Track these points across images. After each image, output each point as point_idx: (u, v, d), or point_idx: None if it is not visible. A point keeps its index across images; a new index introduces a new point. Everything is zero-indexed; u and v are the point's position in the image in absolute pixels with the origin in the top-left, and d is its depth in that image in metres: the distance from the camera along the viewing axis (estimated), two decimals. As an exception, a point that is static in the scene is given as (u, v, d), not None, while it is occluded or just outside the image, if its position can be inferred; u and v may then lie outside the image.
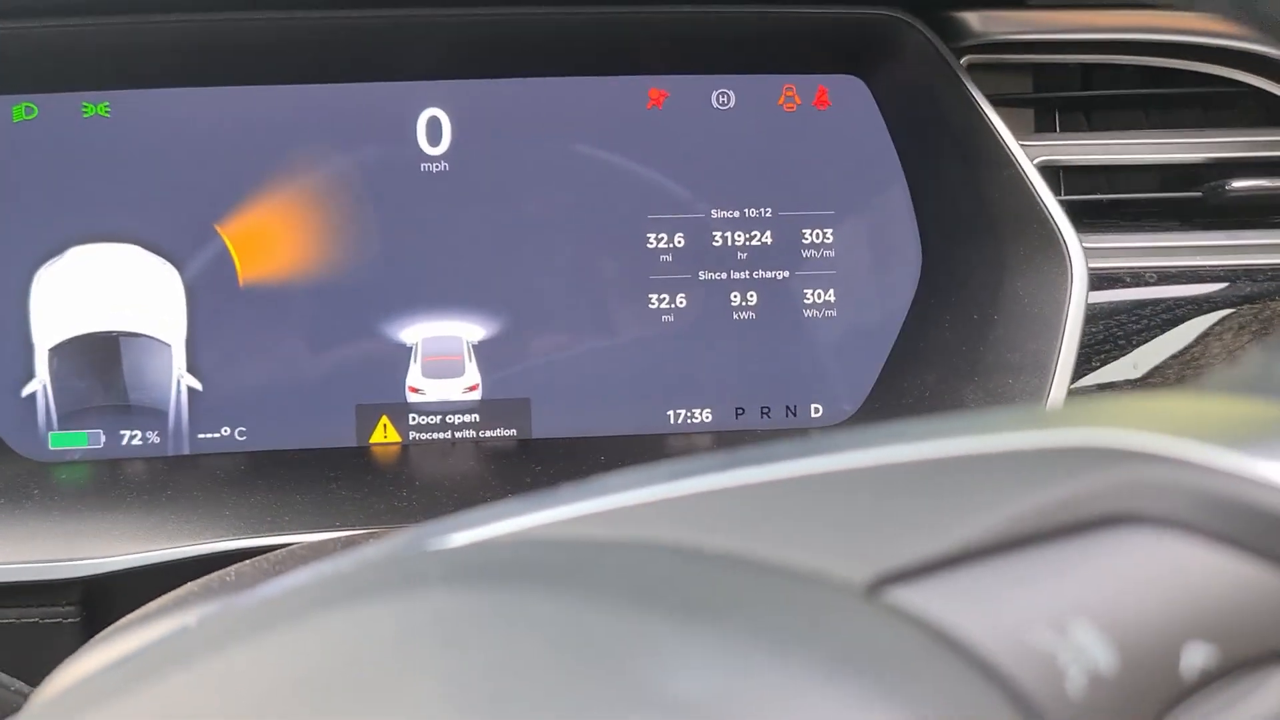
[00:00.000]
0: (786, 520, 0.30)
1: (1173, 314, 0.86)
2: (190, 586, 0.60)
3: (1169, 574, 0.27)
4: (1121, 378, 0.85)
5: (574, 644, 0.28)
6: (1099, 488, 0.29)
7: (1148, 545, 0.28)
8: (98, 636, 0.58)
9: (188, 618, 0.35)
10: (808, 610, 0.28)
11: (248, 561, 0.63)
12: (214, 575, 0.61)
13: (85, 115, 0.91)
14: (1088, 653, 0.27)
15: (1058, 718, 0.26)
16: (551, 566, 0.30)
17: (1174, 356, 0.86)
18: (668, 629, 0.27)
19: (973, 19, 0.89)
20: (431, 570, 0.32)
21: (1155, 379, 0.85)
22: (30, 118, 0.91)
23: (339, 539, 0.64)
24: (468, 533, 0.35)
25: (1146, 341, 0.86)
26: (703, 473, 0.32)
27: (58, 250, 0.92)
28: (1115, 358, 0.85)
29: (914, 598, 0.28)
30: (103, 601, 0.78)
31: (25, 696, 0.61)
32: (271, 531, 0.77)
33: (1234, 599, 0.27)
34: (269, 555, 0.63)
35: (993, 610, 0.27)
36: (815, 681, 0.26)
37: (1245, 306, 0.87)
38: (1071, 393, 0.82)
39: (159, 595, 0.70)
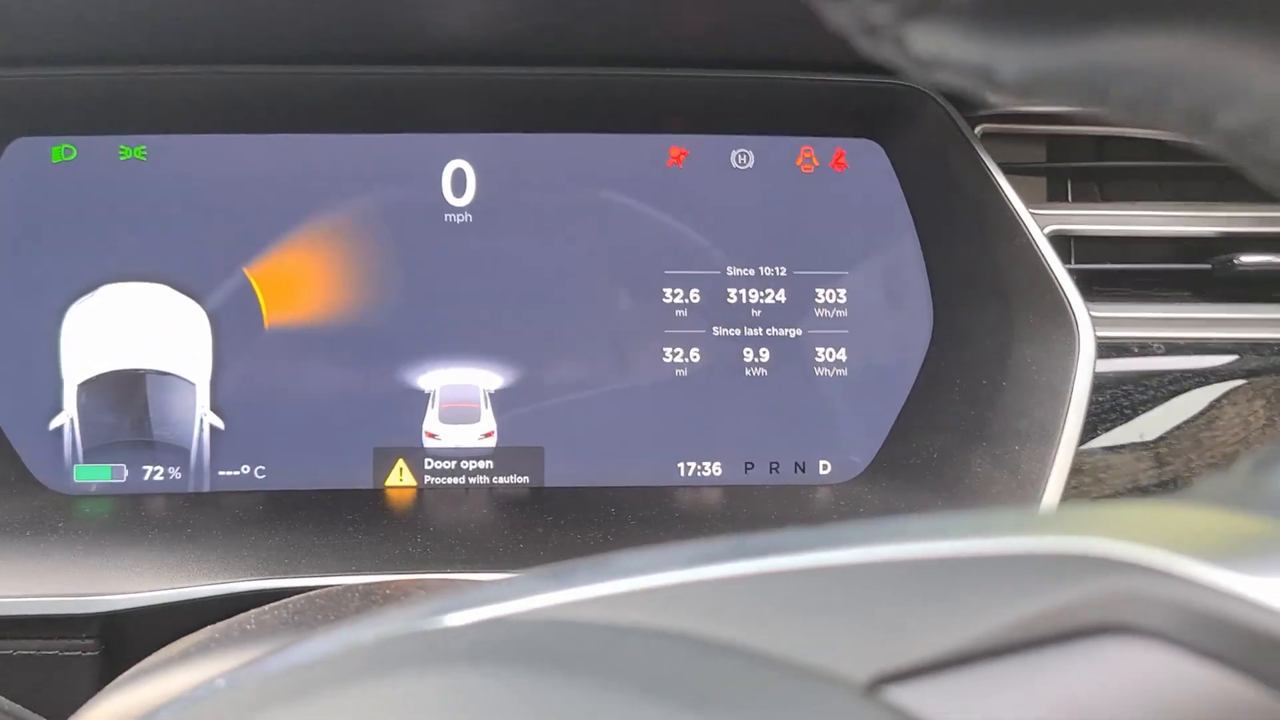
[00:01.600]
0: (792, 613, 0.32)
1: (1180, 385, 0.88)
2: (210, 632, 0.62)
3: (1156, 686, 0.29)
4: (1127, 444, 0.86)
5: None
6: (1090, 596, 0.30)
7: (1136, 656, 0.29)
8: (120, 679, 0.60)
9: (215, 677, 0.36)
10: (810, 707, 0.29)
11: (266, 608, 0.64)
12: (234, 621, 0.63)
13: (122, 158, 0.94)
14: (1077, 760, 0.28)
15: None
16: (570, 651, 0.32)
17: (1179, 428, 0.87)
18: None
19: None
20: (455, 647, 0.33)
21: (1161, 449, 0.86)
22: (69, 159, 0.94)
23: (355, 589, 0.65)
24: (486, 608, 0.36)
25: (1152, 412, 0.87)
26: (714, 560, 0.34)
27: (90, 288, 0.95)
28: (1121, 427, 0.87)
29: (909, 698, 0.29)
30: (122, 636, 0.80)
31: (46, 733, 0.62)
32: (289, 574, 0.78)
33: (1219, 715, 0.28)
34: (287, 603, 0.64)
35: (984, 713, 0.29)
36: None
37: (1253, 379, 0.89)
38: (1078, 457, 0.83)
39: (177, 632, 0.71)
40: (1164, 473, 0.87)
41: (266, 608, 0.64)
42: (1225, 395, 0.87)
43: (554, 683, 0.31)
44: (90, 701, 0.58)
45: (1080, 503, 0.85)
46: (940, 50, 0.28)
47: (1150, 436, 0.87)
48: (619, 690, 0.30)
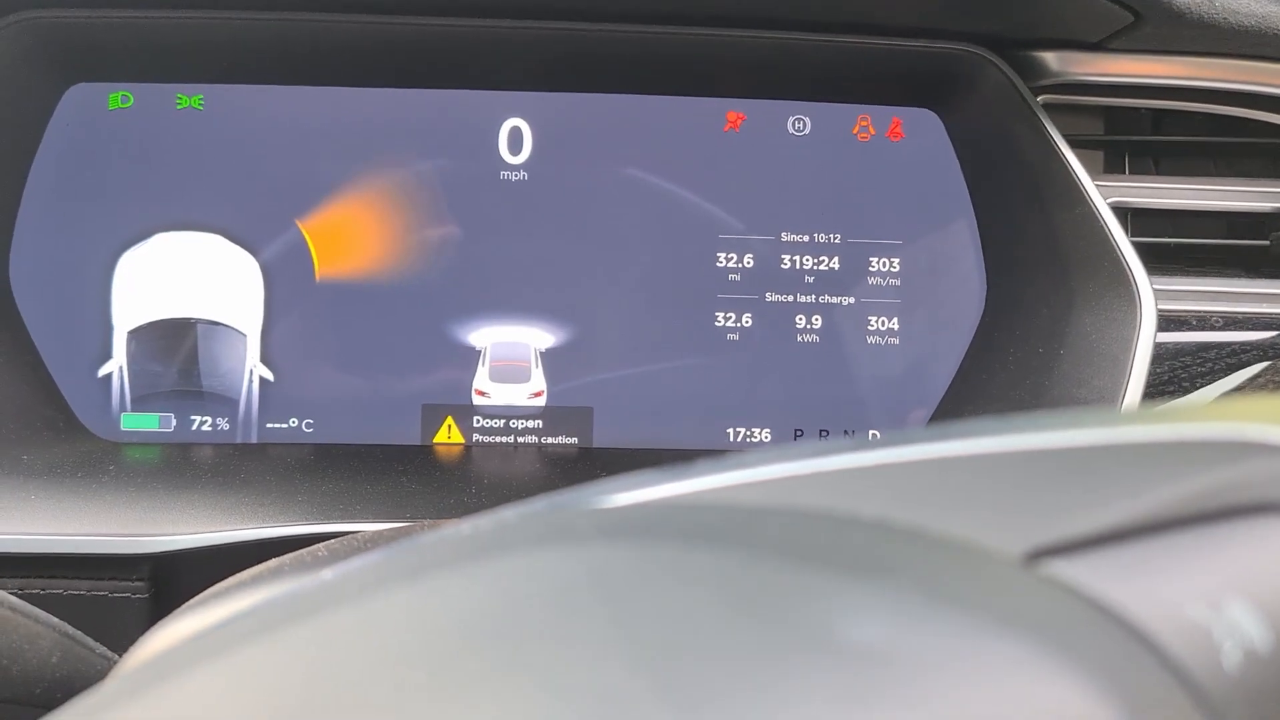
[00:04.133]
0: (942, 494, 0.31)
1: (1237, 359, 0.87)
2: (280, 560, 0.61)
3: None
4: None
5: (740, 596, 0.28)
6: (1252, 477, 0.30)
7: (1293, 533, 0.29)
8: (193, 601, 0.59)
9: (322, 572, 0.35)
10: (968, 574, 0.29)
11: (335, 540, 0.64)
12: (303, 551, 0.62)
13: (179, 106, 0.94)
14: (1244, 630, 0.27)
15: (1215, 690, 0.27)
16: (710, 527, 0.31)
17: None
18: (833, 584, 0.28)
19: (1051, 59, 0.91)
20: (587, 527, 0.33)
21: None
22: (126, 106, 0.94)
23: (427, 525, 0.65)
24: (612, 497, 0.36)
25: (1210, 384, 0.87)
26: (854, 450, 0.33)
27: (143, 235, 0.94)
28: (1179, 399, 0.86)
29: (1071, 570, 0.29)
30: (171, 578, 0.79)
31: (110, 661, 0.62)
32: (344, 519, 0.78)
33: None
34: (357, 535, 0.64)
35: (1149, 585, 0.28)
36: (980, 639, 0.27)
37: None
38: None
39: (229, 575, 0.71)
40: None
41: (335, 540, 0.64)
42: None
43: (699, 554, 0.30)
44: (162, 621, 0.58)
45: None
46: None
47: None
48: (771, 558, 0.30)
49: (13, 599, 0.59)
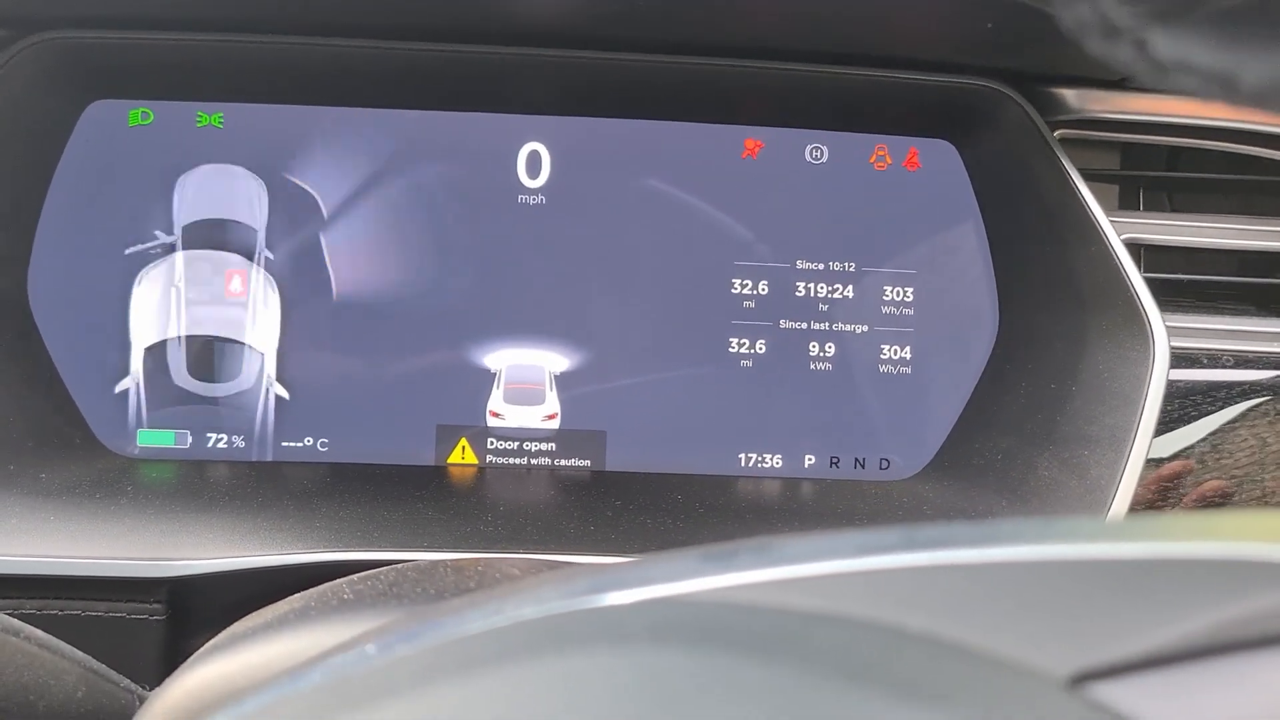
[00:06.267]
0: (990, 605, 0.32)
1: (1248, 399, 0.88)
2: (305, 599, 0.62)
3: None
4: (1195, 459, 0.87)
5: (789, 715, 0.29)
6: (1287, 604, 0.30)
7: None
8: (217, 641, 0.60)
9: (359, 642, 0.36)
10: (1012, 700, 0.29)
11: (356, 578, 0.64)
12: (327, 590, 0.63)
13: (199, 124, 0.94)
14: (1283, 760, 0.28)
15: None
16: (762, 636, 0.32)
17: (1248, 441, 0.87)
18: (880, 710, 0.29)
19: (1069, 95, 0.91)
20: (637, 626, 0.33)
21: (1228, 460, 0.87)
22: (146, 123, 0.94)
23: (445, 565, 0.65)
24: (655, 587, 0.36)
25: (1220, 424, 0.87)
26: (903, 548, 0.34)
27: (161, 252, 0.94)
28: (1189, 438, 0.87)
29: (1114, 694, 0.29)
30: (188, 601, 0.80)
31: (135, 694, 0.62)
32: (362, 547, 0.78)
33: None
34: (378, 573, 0.64)
35: (1190, 713, 0.29)
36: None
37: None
38: (1149, 464, 0.84)
39: (245, 599, 0.71)
40: (1230, 485, 0.87)
41: (357, 577, 0.64)
42: (1293, 410, 0.88)
43: (751, 666, 0.31)
44: (189, 662, 0.58)
45: (1179, 511, 0.86)
46: (1184, 54, 0.28)
47: (1218, 448, 0.87)
48: (819, 676, 0.30)
49: (38, 633, 0.59)
